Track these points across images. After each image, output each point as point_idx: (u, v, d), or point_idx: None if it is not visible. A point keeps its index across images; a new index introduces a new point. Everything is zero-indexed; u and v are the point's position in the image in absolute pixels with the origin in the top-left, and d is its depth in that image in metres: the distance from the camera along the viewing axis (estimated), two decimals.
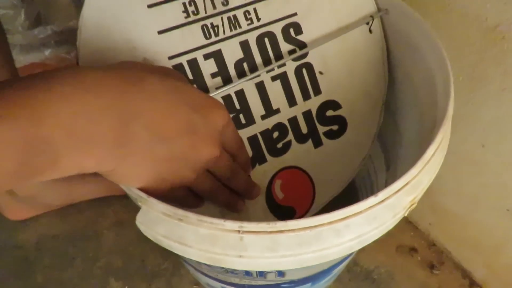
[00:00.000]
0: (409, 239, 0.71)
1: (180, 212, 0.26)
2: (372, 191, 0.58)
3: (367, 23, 0.44)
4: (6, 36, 0.48)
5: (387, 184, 0.48)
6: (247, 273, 0.38)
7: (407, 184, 0.28)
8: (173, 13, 0.34)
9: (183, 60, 0.36)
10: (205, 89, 0.38)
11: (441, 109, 0.34)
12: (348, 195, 0.67)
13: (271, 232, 0.25)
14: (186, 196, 0.31)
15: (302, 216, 0.45)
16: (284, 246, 0.26)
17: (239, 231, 0.25)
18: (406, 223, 0.73)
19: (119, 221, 0.73)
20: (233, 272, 0.38)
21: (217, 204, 0.37)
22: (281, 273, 0.39)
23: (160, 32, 0.33)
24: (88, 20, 0.30)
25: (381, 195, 0.26)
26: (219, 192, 0.34)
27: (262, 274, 0.38)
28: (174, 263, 0.67)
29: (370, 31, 0.45)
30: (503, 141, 0.47)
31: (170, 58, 0.35)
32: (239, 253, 0.26)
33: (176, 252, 0.28)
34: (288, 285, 0.48)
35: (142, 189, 0.27)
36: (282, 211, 0.42)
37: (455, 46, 0.46)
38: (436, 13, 0.46)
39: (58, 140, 0.20)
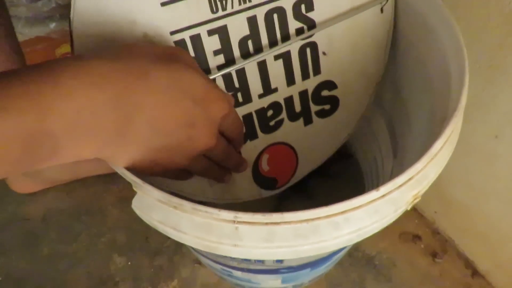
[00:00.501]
0: (414, 226, 0.71)
1: (175, 200, 0.25)
2: (377, 178, 0.57)
3: (381, 3, 0.42)
4: (7, 8, 0.46)
5: (393, 172, 0.48)
6: (245, 258, 0.38)
7: (411, 178, 0.27)
8: None
9: (186, 35, 0.34)
10: (206, 68, 0.36)
11: (453, 99, 0.32)
12: (354, 180, 0.67)
13: (266, 223, 0.24)
14: (176, 173, 0.32)
15: (283, 185, 0.49)
16: (280, 237, 0.26)
17: (234, 221, 0.25)
18: (411, 210, 0.72)
19: (124, 197, 0.73)
20: (231, 257, 0.38)
21: (205, 177, 0.39)
22: (279, 260, 0.39)
23: (163, 4, 0.31)
24: None
25: (383, 189, 0.25)
26: (210, 170, 0.35)
27: (260, 260, 0.38)
28: (177, 241, 0.68)
29: (382, 10, 0.43)
30: None
31: (172, 33, 0.33)
32: (235, 242, 0.26)
33: (172, 237, 0.28)
34: (286, 270, 0.48)
35: (132, 169, 0.26)
36: (265, 181, 0.47)
37: (474, 30, 0.43)
38: None
39: (60, 134, 0.20)
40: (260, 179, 0.46)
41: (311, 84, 0.43)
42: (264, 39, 0.39)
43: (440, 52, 0.37)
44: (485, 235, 0.59)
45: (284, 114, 0.43)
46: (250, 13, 0.36)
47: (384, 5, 0.43)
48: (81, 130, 0.21)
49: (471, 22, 0.43)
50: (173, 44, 0.34)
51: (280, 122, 0.44)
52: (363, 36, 0.43)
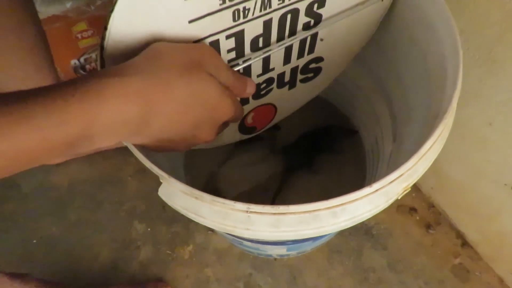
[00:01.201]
0: (411, 199, 0.75)
1: (196, 192, 0.29)
2: (378, 157, 0.60)
3: None
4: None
5: (391, 156, 0.52)
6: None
7: (402, 175, 0.30)
8: (209, 2, 0.33)
9: (206, 42, 0.36)
10: None
11: (446, 99, 0.35)
12: (357, 157, 0.70)
13: (274, 213, 0.29)
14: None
15: (260, 130, 0.58)
16: (285, 224, 0.30)
17: (247, 211, 0.29)
18: None
19: (142, 169, 0.78)
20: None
21: None
22: None
23: (191, 21, 0.33)
24: (121, 9, 0.29)
25: (376, 185, 0.29)
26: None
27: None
28: None
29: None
30: (510, 122, 0.47)
31: (195, 41, 0.36)
32: (247, 226, 0.30)
33: (193, 220, 0.32)
34: (291, 242, 0.53)
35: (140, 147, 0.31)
36: (247, 129, 0.56)
37: (475, 23, 0.45)
38: None
39: (97, 138, 0.25)
40: (243, 129, 0.55)
41: (303, 61, 0.48)
42: (274, 36, 0.41)
43: (439, 48, 0.39)
44: (476, 210, 0.63)
45: (274, 85, 0.49)
46: (267, 17, 0.38)
47: None
48: (113, 132, 0.26)
49: (473, 15, 0.45)
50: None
51: (270, 90, 0.50)
52: (359, 21, 0.46)
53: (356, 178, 0.69)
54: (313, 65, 0.49)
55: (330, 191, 0.70)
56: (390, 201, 0.32)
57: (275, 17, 0.38)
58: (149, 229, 0.72)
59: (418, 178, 0.32)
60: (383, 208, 0.33)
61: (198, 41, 0.36)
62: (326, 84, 0.55)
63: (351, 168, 0.71)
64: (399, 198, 0.33)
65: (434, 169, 0.67)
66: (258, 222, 0.30)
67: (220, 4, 0.33)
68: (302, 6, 0.39)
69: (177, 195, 0.31)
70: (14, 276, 0.54)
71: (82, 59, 0.78)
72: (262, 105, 0.52)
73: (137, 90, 0.25)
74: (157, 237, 0.71)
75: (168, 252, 0.70)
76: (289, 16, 0.39)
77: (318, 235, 0.32)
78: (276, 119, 0.58)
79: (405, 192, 0.32)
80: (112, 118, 0.25)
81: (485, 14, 0.43)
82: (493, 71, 0.46)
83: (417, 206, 0.74)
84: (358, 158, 0.71)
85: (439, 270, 0.67)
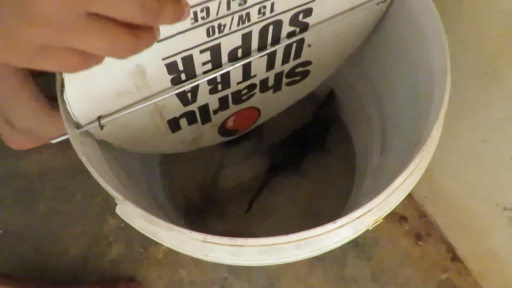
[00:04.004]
0: (402, 207, 0.76)
1: (152, 218, 0.30)
2: (367, 165, 0.61)
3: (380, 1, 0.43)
4: None
5: (377, 169, 0.53)
6: None
7: (370, 210, 0.31)
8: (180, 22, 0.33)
9: (178, 58, 0.37)
10: (192, 74, 0.40)
11: (429, 125, 0.35)
12: (347, 158, 0.71)
13: (232, 245, 0.30)
14: (58, 58, 0.21)
15: (242, 132, 0.61)
16: (245, 253, 0.31)
17: (203, 241, 0.30)
18: None
19: None
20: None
21: (116, 52, 0.23)
22: None
23: (160, 40, 0.34)
24: None
25: (340, 222, 0.30)
26: (113, 37, 0.21)
27: None
28: None
29: (378, 3, 0.44)
30: (504, 141, 0.48)
31: (165, 58, 0.36)
32: (205, 253, 0.31)
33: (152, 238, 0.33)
34: None
35: None
36: (227, 132, 0.58)
37: (474, 36, 0.45)
38: None
39: None
40: (224, 131, 0.57)
41: (288, 66, 0.48)
42: (255, 46, 0.41)
43: (429, 63, 0.40)
44: (468, 225, 0.65)
45: (257, 90, 0.50)
46: (246, 30, 0.38)
47: (383, 2, 0.44)
48: None
49: (472, 27, 0.44)
50: (164, 68, 0.37)
51: (252, 95, 0.51)
52: (350, 25, 0.46)
53: (343, 182, 0.70)
54: (300, 69, 0.50)
55: (316, 196, 0.72)
56: (360, 233, 0.33)
57: (255, 29, 0.38)
58: (122, 225, 0.73)
59: (391, 210, 0.33)
60: (351, 238, 0.34)
61: (171, 56, 0.36)
62: (314, 85, 0.56)
63: (340, 172, 0.73)
64: (370, 229, 0.34)
65: (429, 179, 0.68)
66: (217, 250, 0.31)
67: (192, 23, 0.33)
68: (285, 18, 0.39)
69: (134, 216, 0.32)
70: None
71: None
72: (243, 109, 0.53)
73: None
74: (130, 234, 0.73)
75: (141, 250, 0.72)
76: (271, 28, 0.39)
77: (281, 263, 0.33)
78: (261, 121, 0.59)
79: (376, 224, 0.33)
80: None
81: (485, 27, 0.43)
82: (491, 86, 0.46)
83: (408, 215, 0.75)
84: (348, 163, 0.72)
85: (425, 284, 0.69)
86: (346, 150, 0.74)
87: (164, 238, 0.31)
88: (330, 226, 0.30)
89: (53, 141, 0.39)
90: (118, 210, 0.32)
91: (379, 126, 0.55)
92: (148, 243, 0.73)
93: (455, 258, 0.71)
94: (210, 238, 0.29)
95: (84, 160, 0.35)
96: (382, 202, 0.32)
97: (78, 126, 0.38)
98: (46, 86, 0.76)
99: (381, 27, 0.48)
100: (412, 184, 0.34)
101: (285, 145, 0.74)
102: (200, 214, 0.73)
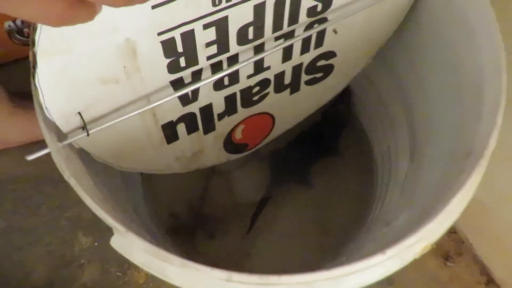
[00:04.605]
0: None
1: (163, 253, 0.29)
2: (390, 173, 0.61)
3: None
4: None
5: (407, 178, 0.53)
6: None
7: (423, 237, 0.31)
8: None
9: (177, 33, 0.36)
10: (193, 59, 0.39)
11: (483, 132, 0.35)
12: (363, 164, 0.72)
13: (262, 284, 0.29)
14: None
15: (252, 148, 0.59)
16: None
17: (227, 280, 0.29)
18: None
19: None
20: None
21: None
22: None
23: (154, 6, 0.32)
24: None
25: (390, 253, 0.30)
26: None
27: None
28: None
29: None
30: None
31: (161, 33, 0.35)
32: None
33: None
34: None
35: None
36: (235, 148, 0.56)
37: None
38: None
39: None
40: (231, 147, 0.55)
41: (308, 57, 0.47)
42: (269, 25, 0.40)
43: (476, 58, 0.40)
44: (503, 241, 0.65)
45: (271, 88, 0.49)
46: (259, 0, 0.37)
47: None
48: None
49: None
50: (159, 46, 0.36)
51: (265, 95, 0.49)
52: (384, 8, 0.45)
53: (359, 194, 0.70)
54: (322, 62, 0.49)
55: (325, 209, 0.72)
56: (406, 263, 0.33)
57: (270, 0, 0.37)
58: (96, 244, 0.72)
59: (442, 235, 0.33)
60: (397, 269, 0.33)
61: (169, 31, 0.35)
62: (340, 86, 0.55)
63: (355, 181, 0.73)
64: (417, 257, 0.33)
65: None
66: None
67: None
68: None
69: (138, 251, 0.31)
70: None
71: (18, 21, 0.75)
72: (255, 114, 0.51)
73: None
74: (106, 255, 0.71)
75: (119, 274, 0.70)
76: (288, 1, 0.38)
77: None
78: (275, 133, 0.58)
79: (424, 251, 0.33)
80: None
81: None
82: None
83: None
84: (365, 169, 0.72)
85: None
86: (362, 156, 0.73)
87: (175, 276, 0.30)
88: (378, 257, 0.29)
89: (29, 158, 0.37)
90: (114, 242, 0.31)
91: (407, 128, 0.55)
92: (127, 265, 0.71)
93: (490, 281, 0.72)
94: (237, 276, 0.28)
95: (72, 182, 0.34)
96: (436, 227, 0.32)
97: (60, 136, 0.37)
98: (6, 80, 0.74)
99: (410, 10, 0.47)
100: (465, 202, 0.34)
101: (290, 151, 0.73)
102: (188, 233, 0.72)
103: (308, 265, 0.62)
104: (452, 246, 0.75)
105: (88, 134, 0.38)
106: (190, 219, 0.73)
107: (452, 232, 0.76)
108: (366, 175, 0.71)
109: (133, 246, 0.31)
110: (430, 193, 0.40)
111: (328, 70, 0.50)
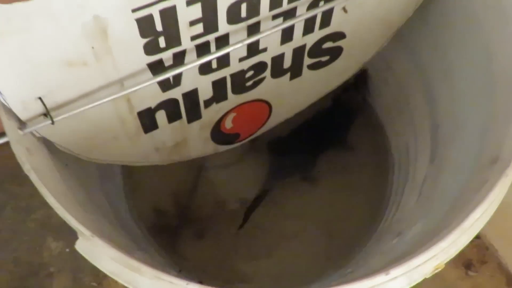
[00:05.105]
0: None
1: (134, 263, 0.29)
2: (407, 173, 0.61)
3: None
4: None
5: (425, 179, 0.52)
6: None
7: (434, 256, 0.31)
8: None
9: (155, 10, 0.35)
10: (175, 40, 0.38)
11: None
12: (377, 158, 0.71)
13: None
14: None
15: (245, 139, 0.59)
16: None
17: None
18: None
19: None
20: None
21: None
22: None
23: None
24: None
25: (395, 273, 0.29)
26: None
27: None
28: None
29: None
30: None
31: (136, 10, 0.34)
32: None
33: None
34: None
35: None
36: (224, 138, 0.56)
37: None
38: None
39: None
40: (219, 137, 0.55)
41: (312, 38, 0.47)
42: (265, 1, 0.40)
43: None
44: None
45: (267, 73, 0.48)
46: None
47: None
48: None
49: None
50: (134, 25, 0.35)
51: (260, 80, 0.49)
52: None
53: (371, 192, 0.69)
54: (328, 44, 0.48)
55: (332, 209, 0.71)
56: (415, 283, 0.33)
57: None
58: (67, 250, 0.71)
59: (457, 253, 0.33)
60: None
61: (146, 7, 0.34)
62: (350, 71, 0.54)
63: (366, 178, 0.72)
64: (427, 277, 0.33)
65: None
66: None
67: None
68: None
69: (105, 258, 0.31)
70: None
71: None
72: (248, 101, 0.51)
73: None
74: (78, 262, 0.71)
75: (93, 284, 0.70)
76: None
77: None
78: (272, 123, 0.57)
79: (437, 271, 0.33)
80: None
81: None
82: None
83: None
84: (380, 166, 0.71)
85: None
86: (377, 151, 0.73)
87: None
88: (380, 278, 0.29)
89: None
90: (79, 246, 0.32)
91: (429, 124, 0.55)
92: (102, 274, 0.71)
93: None
94: None
95: (33, 177, 0.34)
96: (450, 245, 0.31)
97: (21, 124, 0.37)
98: None
99: None
100: (486, 219, 0.34)
101: (292, 140, 0.72)
102: (173, 231, 0.72)
103: (310, 274, 0.64)
104: (475, 253, 0.74)
105: (53, 122, 0.38)
106: (176, 216, 0.73)
107: (475, 237, 0.75)
108: (381, 173, 0.70)
109: (100, 253, 0.31)
110: (449, 202, 0.39)
111: (335, 53, 0.50)
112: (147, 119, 0.47)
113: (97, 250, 0.31)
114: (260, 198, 0.71)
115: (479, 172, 0.35)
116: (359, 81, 0.70)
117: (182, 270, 0.61)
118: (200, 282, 0.63)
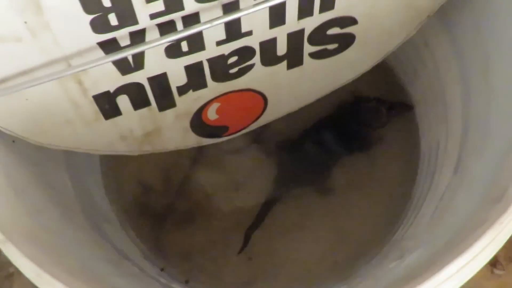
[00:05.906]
0: None
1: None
2: (431, 181, 0.57)
3: None
4: None
5: (444, 196, 0.50)
6: None
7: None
8: None
9: None
10: (130, 16, 0.36)
11: None
12: (404, 161, 0.65)
13: None
14: None
15: (235, 133, 0.58)
16: None
17: None
18: None
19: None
20: None
21: None
22: None
23: None
24: None
25: None
26: None
27: None
28: None
29: None
30: None
31: None
32: None
33: None
34: None
35: None
36: (209, 130, 0.55)
37: None
38: None
39: None
40: (202, 129, 0.55)
41: (312, 22, 0.46)
42: None
43: None
44: None
45: (256, 59, 0.48)
46: None
47: None
48: None
49: None
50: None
51: (248, 68, 0.49)
52: None
53: (392, 205, 0.64)
54: (335, 31, 0.47)
55: (347, 223, 0.65)
56: None
57: None
58: None
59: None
60: None
61: None
62: (367, 63, 0.52)
63: (389, 187, 0.66)
64: None
65: None
66: None
67: None
68: None
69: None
70: None
71: None
72: (235, 91, 0.50)
73: None
74: None
75: None
76: None
77: None
78: (269, 117, 0.56)
79: None
80: None
81: None
82: None
83: None
84: (407, 169, 0.66)
85: None
86: (405, 148, 0.67)
87: None
88: None
89: None
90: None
91: (460, 121, 0.51)
92: None
93: None
94: None
95: None
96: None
97: None
98: None
99: None
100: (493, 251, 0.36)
101: (306, 141, 0.67)
102: (159, 215, 0.66)
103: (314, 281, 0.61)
104: (502, 250, 0.68)
105: None
106: (165, 196, 0.67)
107: None
108: (407, 178, 0.64)
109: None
110: (458, 226, 0.38)
111: (346, 40, 0.49)
112: (106, 104, 0.46)
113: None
114: (262, 215, 0.65)
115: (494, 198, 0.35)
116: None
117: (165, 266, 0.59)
118: (186, 281, 0.57)
